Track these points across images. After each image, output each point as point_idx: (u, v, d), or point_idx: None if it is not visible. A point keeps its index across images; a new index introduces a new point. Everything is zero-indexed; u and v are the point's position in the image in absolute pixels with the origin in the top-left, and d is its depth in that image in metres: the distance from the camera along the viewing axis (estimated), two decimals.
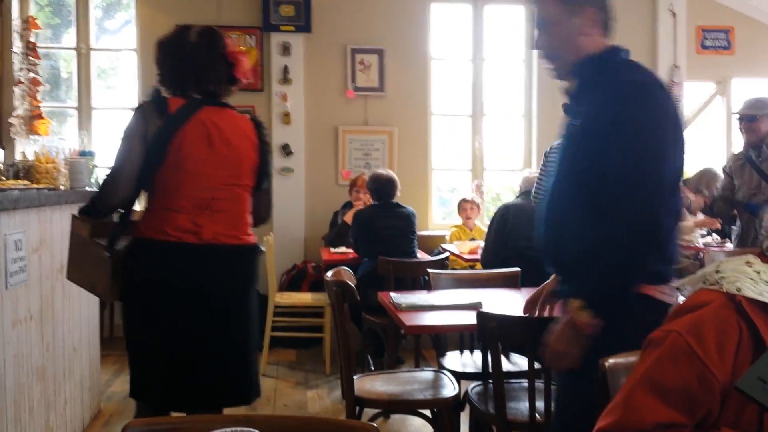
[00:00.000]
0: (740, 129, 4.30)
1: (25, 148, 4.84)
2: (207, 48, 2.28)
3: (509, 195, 5.59)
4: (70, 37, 5.57)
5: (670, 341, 1.15)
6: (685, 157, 1.79)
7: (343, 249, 4.73)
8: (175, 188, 2.23)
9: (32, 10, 5.36)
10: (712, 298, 1.17)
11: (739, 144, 4.69)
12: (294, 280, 5.18)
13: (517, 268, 3.41)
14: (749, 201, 4.25)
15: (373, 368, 4.40)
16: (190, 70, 2.26)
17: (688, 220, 4.88)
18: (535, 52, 5.79)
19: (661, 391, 1.13)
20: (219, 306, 2.27)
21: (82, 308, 3.35)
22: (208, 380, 2.27)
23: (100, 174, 5.12)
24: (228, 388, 2.33)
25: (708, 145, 6.22)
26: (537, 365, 2.32)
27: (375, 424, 1.22)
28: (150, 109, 2.22)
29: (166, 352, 2.24)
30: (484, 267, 3.98)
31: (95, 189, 4.10)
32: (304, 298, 4.80)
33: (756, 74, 6.24)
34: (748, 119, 4.19)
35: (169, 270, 2.22)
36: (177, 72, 2.27)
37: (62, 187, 3.32)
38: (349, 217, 4.69)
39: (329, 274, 2.86)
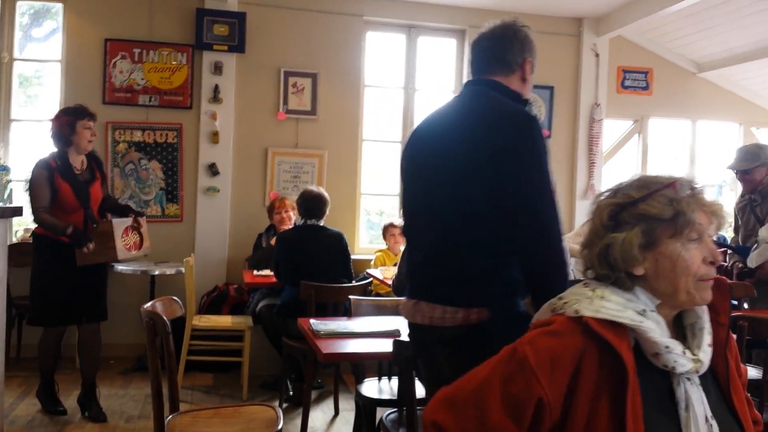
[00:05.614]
0: (737, 179, 4.35)
1: None
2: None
3: None
4: None
5: (511, 349, 1.25)
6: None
7: (266, 272, 4.63)
8: None
9: None
10: (556, 319, 1.27)
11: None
12: (215, 302, 5.06)
13: None
14: (745, 242, 4.29)
15: (291, 393, 4.36)
16: None
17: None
18: (462, 84, 5.94)
19: (501, 395, 1.20)
20: None
21: None
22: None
23: (16, 188, 4.94)
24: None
25: (624, 179, 6.49)
26: None
27: None
28: None
29: None
30: (395, 293, 3.98)
31: (9, 205, 3.96)
32: (224, 321, 4.65)
33: (671, 115, 6.60)
34: (743, 172, 4.24)
35: None
36: None
37: None
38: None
39: (148, 304, 2.51)
